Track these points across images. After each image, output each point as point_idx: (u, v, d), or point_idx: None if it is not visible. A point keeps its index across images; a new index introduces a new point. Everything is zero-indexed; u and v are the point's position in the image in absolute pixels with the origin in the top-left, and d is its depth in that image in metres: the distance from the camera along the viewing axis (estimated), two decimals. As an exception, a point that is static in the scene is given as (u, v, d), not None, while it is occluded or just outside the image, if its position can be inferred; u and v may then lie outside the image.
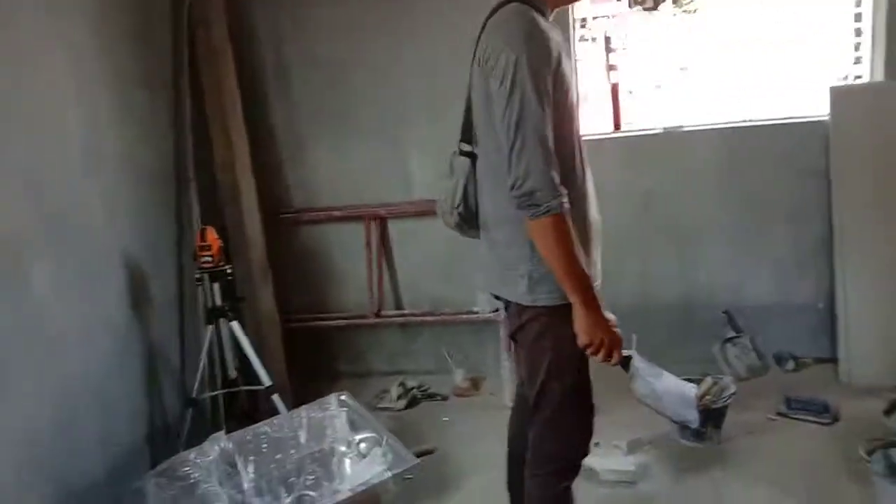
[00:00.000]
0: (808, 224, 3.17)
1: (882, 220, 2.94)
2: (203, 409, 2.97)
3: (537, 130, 1.48)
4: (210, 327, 2.80)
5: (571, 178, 1.60)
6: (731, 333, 3.27)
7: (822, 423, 2.77)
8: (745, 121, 3.16)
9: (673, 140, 3.22)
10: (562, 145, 1.56)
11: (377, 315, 3.48)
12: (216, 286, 2.76)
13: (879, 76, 2.95)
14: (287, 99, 3.48)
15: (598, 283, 1.67)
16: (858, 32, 3.06)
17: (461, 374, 3.41)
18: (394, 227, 3.55)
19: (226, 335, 2.85)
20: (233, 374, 2.95)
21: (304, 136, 3.52)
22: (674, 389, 1.72)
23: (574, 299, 1.56)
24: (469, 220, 1.79)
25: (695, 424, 1.71)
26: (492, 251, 1.74)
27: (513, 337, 1.77)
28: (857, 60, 3.10)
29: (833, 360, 3.20)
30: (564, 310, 1.59)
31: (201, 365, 2.77)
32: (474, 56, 1.65)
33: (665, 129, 3.24)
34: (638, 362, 1.67)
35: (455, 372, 3.42)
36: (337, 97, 3.43)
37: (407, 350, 3.66)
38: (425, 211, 3.38)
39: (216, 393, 3.01)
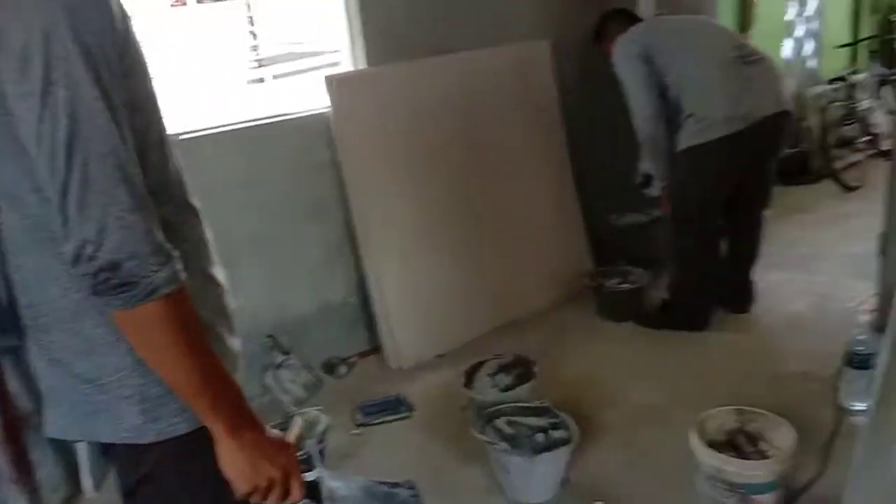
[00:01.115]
0: (330, 221, 3.02)
1: (396, 203, 2.98)
2: None
3: (109, 153, 0.82)
4: None
5: (177, 217, 0.98)
6: (280, 357, 2.95)
7: (404, 418, 2.72)
8: (252, 120, 2.78)
9: (179, 149, 2.60)
10: (154, 167, 0.94)
11: None
12: None
13: (362, 64, 2.95)
14: None
15: (239, 375, 1.08)
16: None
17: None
18: None
19: None
20: None
21: None
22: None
23: (215, 426, 0.94)
24: None
25: None
26: (56, 369, 0.96)
27: (128, 494, 1.04)
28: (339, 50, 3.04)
29: (376, 349, 3.20)
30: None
31: None
32: None
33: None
34: (330, 481, 1.13)
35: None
36: None
37: None
38: None
39: None
